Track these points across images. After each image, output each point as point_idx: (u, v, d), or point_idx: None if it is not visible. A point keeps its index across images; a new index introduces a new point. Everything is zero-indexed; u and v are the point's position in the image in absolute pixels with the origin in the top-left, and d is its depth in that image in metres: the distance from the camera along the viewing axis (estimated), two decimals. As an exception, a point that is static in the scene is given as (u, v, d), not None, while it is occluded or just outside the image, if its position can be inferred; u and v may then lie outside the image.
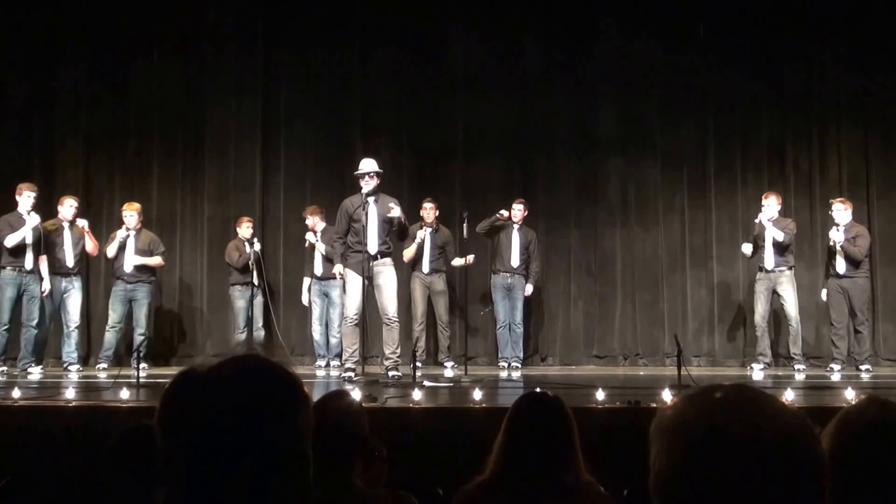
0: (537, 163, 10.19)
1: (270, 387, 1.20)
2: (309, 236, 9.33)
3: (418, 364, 8.65)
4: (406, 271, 9.28)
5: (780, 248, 8.62)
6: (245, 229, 9.36)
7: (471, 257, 9.13)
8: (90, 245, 8.76)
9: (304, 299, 9.53)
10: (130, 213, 8.91)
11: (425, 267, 9.20)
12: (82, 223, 8.70)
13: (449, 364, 9.14)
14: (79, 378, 7.98)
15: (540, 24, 10.13)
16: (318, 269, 9.33)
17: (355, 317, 7.38)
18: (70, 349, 8.60)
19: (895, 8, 9.71)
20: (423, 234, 9.10)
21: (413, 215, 9.33)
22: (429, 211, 9.14)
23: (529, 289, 9.35)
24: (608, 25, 10.08)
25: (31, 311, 8.30)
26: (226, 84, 10.23)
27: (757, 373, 8.48)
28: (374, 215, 7.46)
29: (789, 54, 10.03)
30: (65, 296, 8.58)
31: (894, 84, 9.76)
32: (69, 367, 8.54)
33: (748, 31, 9.93)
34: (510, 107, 10.12)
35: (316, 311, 9.40)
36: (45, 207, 8.83)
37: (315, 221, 9.26)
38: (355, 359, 7.42)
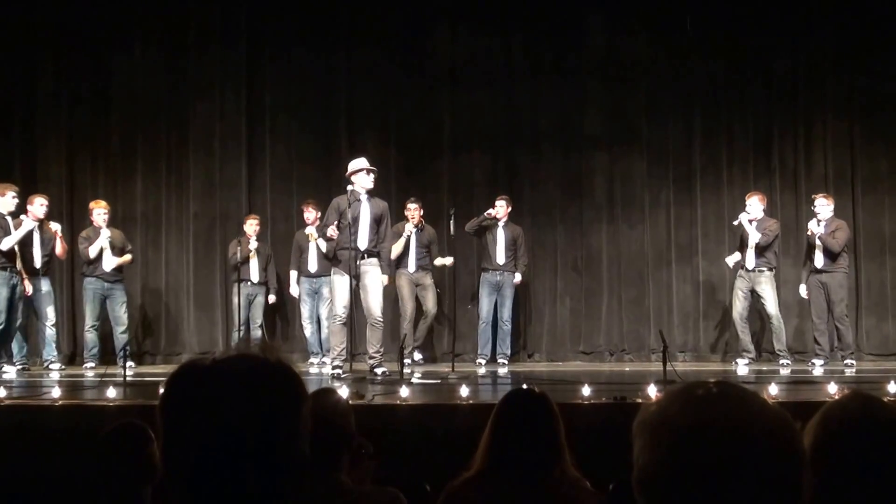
0: (523, 158, 10.17)
1: (273, 382, 1.21)
2: (309, 230, 9.28)
3: (406, 361, 8.71)
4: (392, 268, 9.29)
5: (759, 249, 8.67)
6: (249, 226, 9.31)
7: (449, 259, 9.14)
8: (59, 248, 8.61)
9: (294, 291, 9.48)
10: (101, 211, 8.83)
11: (411, 266, 9.21)
12: (55, 227, 8.56)
13: (416, 355, 9.15)
14: (65, 377, 7.93)
15: (525, 20, 10.10)
16: (313, 265, 9.28)
17: (343, 315, 7.40)
18: (50, 349, 8.53)
19: (881, 3, 9.76)
20: (410, 230, 9.10)
21: (399, 212, 9.33)
22: (413, 211, 9.14)
23: (518, 277, 9.36)
24: (594, 20, 10.07)
25: (17, 310, 8.25)
26: (209, 80, 10.14)
27: (741, 368, 8.53)
28: (366, 213, 7.49)
29: (775, 50, 10.04)
30: (36, 296, 8.50)
31: (880, 80, 9.79)
32: (50, 367, 8.46)
33: (734, 26, 9.94)
34: (496, 102, 10.10)
35: (306, 310, 9.37)
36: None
37: (315, 215, 9.19)
38: (343, 357, 7.44)
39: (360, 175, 7.51)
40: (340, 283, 7.40)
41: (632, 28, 10.03)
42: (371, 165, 7.60)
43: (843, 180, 9.87)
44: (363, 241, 7.45)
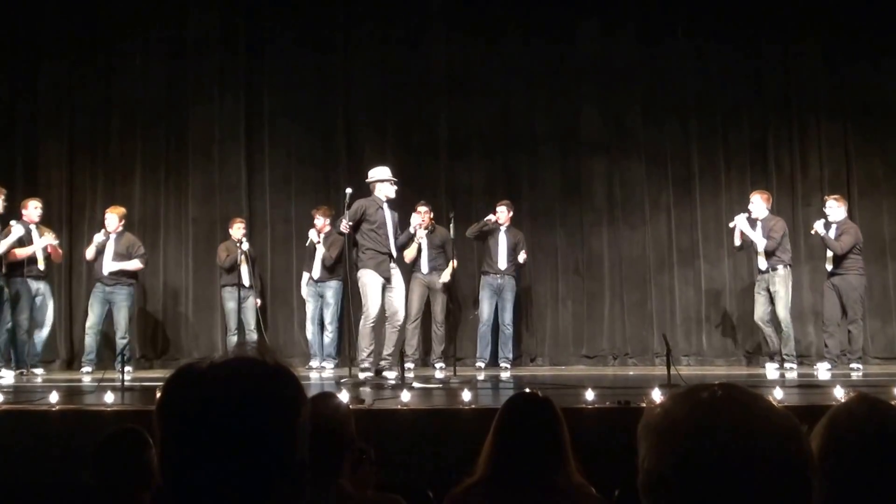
0: (521, 163, 10.16)
1: (271, 385, 1.20)
2: (311, 234, 9.27)
3: (410, 365, 8.67)
4: (407, 271, 9.25)
5: (770, 252, 8.60)
6: (236, 230, 9.27)
7: (449, 271, 9.14)
8: (53, 255, 8.63)
9: (304, 292, 9.45)
10: (111, 216, 8.81)
11: (424, 267, 9.19)
12: (52, 241, 8.57)
13: (438, 366, 9.12)
14: (62, 382, 7.87)
15: (521, 25, 10.09)
16: (316, 271, 9.25)
17: (376, 318, 7.43)
18: (36, 351, 8.50)
19: (873, 6, 9.71)
20: (421, 236, 9.04)
21: (398, 214, 9.32)
22: (423, 215, 9.09)
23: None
24: (588, 26, 10.07)
25: (6, 314, 8.25)
26: (208, 84, 10.13)
27: (771, 372, 8.34)
28: (389, 220, 7.66)
29: (768, 53, 10.01)
30: (37, 299, 8.49)
31: (873, 82, 9.76)
32: (34, 370, 8.40)
33: (726, 30, 9.91)
34: (493, 107, 10.09)
35: (309, 311, 9.33)
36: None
37: (323, 222, 9.18)
38: (371, 359, 7.48)
39: (385, 185, 7.71)
40: (375, 286, 7.43)
41: (625, 33, 10.04)
42: (393, 176, 7.79)
43: (839, 182, 9.81)
44: (394, 248, 7.64)
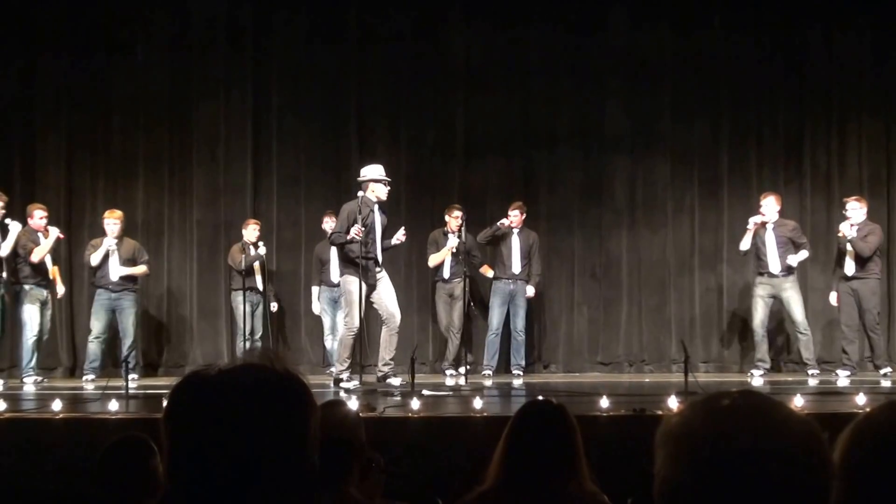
0: (540, 161, 9.92)
1: (280, 392, 1.20)
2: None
3: (451, 372, 8.58)
4: (430, 278, 9.18)
5: (783, 254, 8.49)
6: (251, 231, 9.17)
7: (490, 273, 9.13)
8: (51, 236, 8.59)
9: (316, 308, 9.29)
10: (114, 222, 8.71)
11: (446, 273, 9.11)
12: (58, 234, 8.58)
13: (449, 373, 9.01)
14: (66, 390, 7.84)
15: (544, 14, 9.82)
16: (335, 276, 8.97)
17: (358, 327, 7.39)
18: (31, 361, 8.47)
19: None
20: (455, 243, 8.91)
21: (411, 215, 9.22)
22: (457, 220, 8.90)
23: (531, 290, 9.22)
24: (617, 15, 9.78)
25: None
26: (214, 80, 9.88)
27: (756, 379, 8.36)
28: (378, 223, 7.54)
29: (810, 45, 9.75)
30: (45, 306, 8.49)
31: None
32: (24, 378, 8.33)
33: (764, 20, 9.68)
34: (512, 102, 9.85)
35: (328, 321, 9.18)
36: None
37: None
38: (349, 371, 7.45)
39: (379, 186, 7.54)
40: (357, 293, 7.35)
41: (656, 23, 9.75)
42: (386, 175, 7.64)
43: (879, 183, 9.62)
44: (379, 253, 7.52)
